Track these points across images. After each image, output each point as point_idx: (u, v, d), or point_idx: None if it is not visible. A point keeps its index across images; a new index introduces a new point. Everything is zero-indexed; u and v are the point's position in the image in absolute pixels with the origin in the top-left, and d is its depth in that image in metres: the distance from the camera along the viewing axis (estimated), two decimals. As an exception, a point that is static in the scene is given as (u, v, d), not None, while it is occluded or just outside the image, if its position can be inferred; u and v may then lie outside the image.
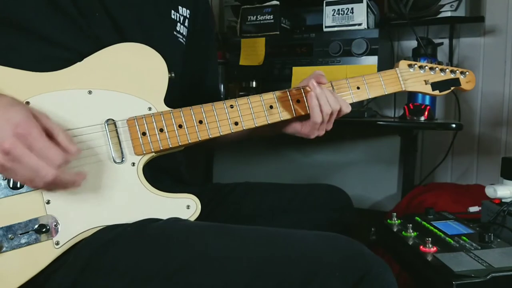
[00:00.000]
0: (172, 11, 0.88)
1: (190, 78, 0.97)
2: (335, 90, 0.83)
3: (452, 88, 0.90)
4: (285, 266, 0.58)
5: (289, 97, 0.80)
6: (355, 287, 0.55)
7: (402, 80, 0.87)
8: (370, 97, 0.84)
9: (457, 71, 0.91)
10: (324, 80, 0.82)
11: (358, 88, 0.84)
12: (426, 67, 0.89)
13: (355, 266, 0.57)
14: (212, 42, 1.04)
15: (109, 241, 0.64)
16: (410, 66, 0.88)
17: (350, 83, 0.83)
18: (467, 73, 0.92)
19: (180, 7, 0.90)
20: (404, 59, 0.88)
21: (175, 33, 0.88)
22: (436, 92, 0.89)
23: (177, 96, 0.84)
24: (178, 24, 0.89)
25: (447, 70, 0.90)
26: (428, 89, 0.89)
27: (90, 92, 0.69)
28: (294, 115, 0.80)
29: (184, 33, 0.91)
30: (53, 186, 0.59)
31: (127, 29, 0.78)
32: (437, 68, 0.89)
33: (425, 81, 0.88)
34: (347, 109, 0.82)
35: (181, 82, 0.92)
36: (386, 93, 0.85)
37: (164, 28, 0.87)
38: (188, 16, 0.92)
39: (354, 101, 0.84)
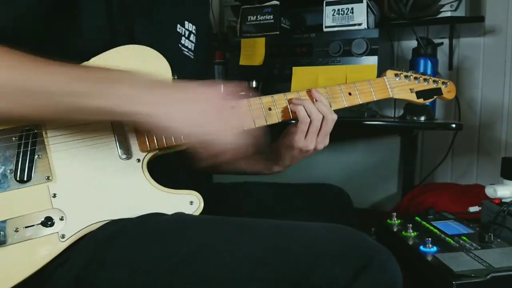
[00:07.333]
0: (178, 25, 0.90)
1: None
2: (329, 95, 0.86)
3: (435, 97, 0.95)
4: (288, 256, 0.58)
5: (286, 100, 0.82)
6: (357, 275, 0.55)
7: (389, 88, 0.91)
8: (361, 102, 0.88)
9: (439, 81, 0.96)
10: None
11: (350, 94, 0.87)
12: (411, 77, 0.93)
13: (358, 254, 0.57)
14: (211, 53, 1.06)
15: (113, 234, 0.65)
16: (396, 75, 0.92)
17: (342, 90, 0.87)
18: (448, 83, 0.97)
19: (186, 22, 0.92)
20: (390, 69, 0.93)
21: (179, 45, 0.91)
22: (421, 100, 0.94)
23: None
24: (183, 37, 0.91)
25: (430, 80, 0.95)
26: (413, 97, 0.93)
27: None
28: (291, 116, 0.82)
29: (189, 47, 0.93)
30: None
31: (137, 36, 0.79)
32: (421, 78, 0.94)
33: (410, 89, 0.92)
34: (331, 116, 0.82)
35: None
36: (375, 99, 0.89)
37: (168, 40, 0.89)
38: (194, 31, 0.94)
39: (346, 105, 0.87)
